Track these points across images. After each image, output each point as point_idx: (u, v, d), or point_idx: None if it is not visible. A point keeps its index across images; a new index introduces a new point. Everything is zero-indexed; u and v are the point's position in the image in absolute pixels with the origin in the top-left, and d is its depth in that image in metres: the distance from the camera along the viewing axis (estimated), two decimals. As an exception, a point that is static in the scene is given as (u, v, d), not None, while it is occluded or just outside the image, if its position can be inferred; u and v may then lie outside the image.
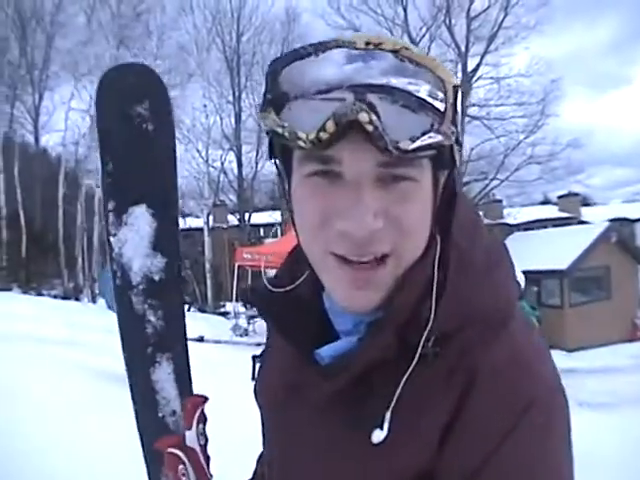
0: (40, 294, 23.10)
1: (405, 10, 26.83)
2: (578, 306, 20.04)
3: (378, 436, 0.69)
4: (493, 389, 0.67)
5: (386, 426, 0.69)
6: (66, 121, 25.38)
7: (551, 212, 31.76)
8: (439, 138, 0.64)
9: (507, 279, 0.78)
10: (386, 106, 0.61)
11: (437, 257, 0.72)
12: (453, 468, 0.68)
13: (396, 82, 0.62)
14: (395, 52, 0.63)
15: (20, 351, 7.76)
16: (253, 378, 0.76)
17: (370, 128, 0.60)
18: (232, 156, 28.36)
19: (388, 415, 0.69)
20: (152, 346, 0.93)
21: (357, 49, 0.64)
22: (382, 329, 0.70)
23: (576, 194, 31.51)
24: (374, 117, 0.60)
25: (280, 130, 0.65)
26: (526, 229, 27.16)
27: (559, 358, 17.46)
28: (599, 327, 18.80)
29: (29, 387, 6.16)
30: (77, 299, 22.51)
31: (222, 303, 23.82)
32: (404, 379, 0.70)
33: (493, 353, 0.69)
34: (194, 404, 0.90)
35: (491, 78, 26.67)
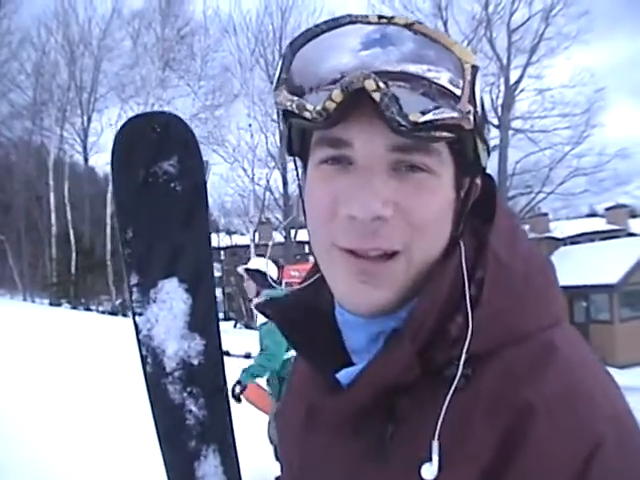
0: (88, 309, 23.66)
1: (445, 24, 26.74)
2: (628, 321, 19.48)
3: (430, 471, 0.59)
4: (553, 430, 0.56)
5: (435, 459, 0.59)
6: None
7: (599, 225, 31.02)
8: (454, 114, 0.59)
9: (552, 291, 0.69)
10: (403, 92, 0.58)
11: (464, 265, 0.65)
12: None
13: (415, 69, 0.59)
14: (409, 26, 0.61)
15: (67, 365, 7.95)
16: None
17: (377, 96, 0.56)
18: (277, 174, 28.50)
19: (435, 445, 0.59)
20: (195, 439, 0.83)
21: (370, 23, 0.62)
22: (400, 342, 0.62)
23: (624, 205, 30.71)
24: (382, 84, 0.57)
25: (289, 104, 0.62)
26: (573, 243, 26.61)
27: (609, 375, 16.94)
28: (651, 343, 18.21)
29: (76, 401, 6.30)
30: (124, 315, 22.92)
31: (268, 320, 23.79)
32: (445, 406, 0.60)
33: (548, 383, 0.59)
34: None
35: (534, 90, 26.42)
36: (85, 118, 29.60)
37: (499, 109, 26.31)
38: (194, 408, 0.82)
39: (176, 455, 0.84)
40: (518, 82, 26.27)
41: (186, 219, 0.80)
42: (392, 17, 0.62)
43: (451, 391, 0.60)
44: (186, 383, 0.82)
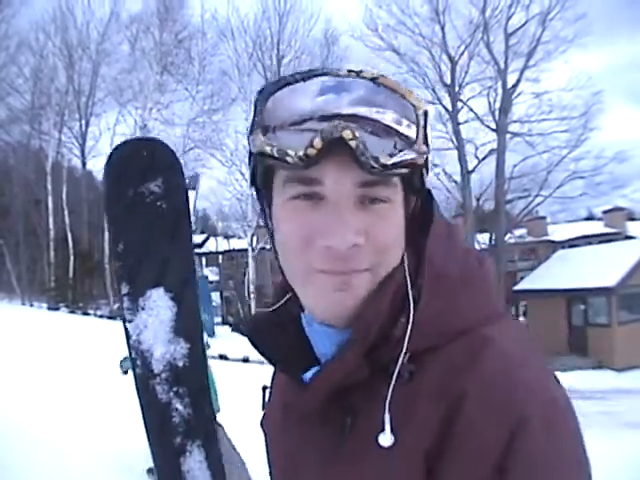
0: (86, 314, 23.63)
1: (443, 29, 26.89)
2: (627, 324, 19.50)
3: (385, 439, 0.68)
4: (481, 410, 0.64)
5: (388, 427, 0.68)
6: (111, 145, 25.82)
7: (596, 228, 31.12)
8: (414, 155, 0.69)
9: (488, 288, 0.78)
10: (372, 139, 0.67)
11: (407, 272, 0.74)
12: None
13: (364, 111, 0.68)
14: (374, 79, 0.69)
15: (65, 369, 7.94)
16: (263, 408, 0.79)
17: (354, 144, 0.65)
18: (275, 178, 28.34)
19: (387, 417, 0.68)
20: (181, 435, 0.89)
21: (339, 76, 0.70)
22: (350, 346, 0.71)
23: (622, 209, 30.85)
24: (357, 134, 0.65)
25: (269, 149, 0.69)
26: (571, 246, 26.67)
27: (607, 378, 16.97)
28: (650, 346, 18.20)
29: (74, 404, 6.30)
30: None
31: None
32: (389, 395, 0.69)
33: (481, 370, 0.66)
34: None
35: (532, 93, 26.44)
36: (83, 122, 29.66)
37: (496, 113, 26.41)
38: (180, 406, 0.89)
39: (163, 451, 0.90)
40: (515, 86, 26.36)
41: (171, 233, 0.88)
42: (360, 71, 0.71)
43: (392, 383, 0.69)
44: (172, 383, 0.88)
